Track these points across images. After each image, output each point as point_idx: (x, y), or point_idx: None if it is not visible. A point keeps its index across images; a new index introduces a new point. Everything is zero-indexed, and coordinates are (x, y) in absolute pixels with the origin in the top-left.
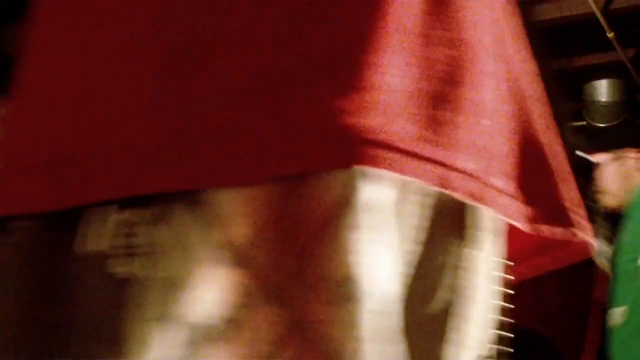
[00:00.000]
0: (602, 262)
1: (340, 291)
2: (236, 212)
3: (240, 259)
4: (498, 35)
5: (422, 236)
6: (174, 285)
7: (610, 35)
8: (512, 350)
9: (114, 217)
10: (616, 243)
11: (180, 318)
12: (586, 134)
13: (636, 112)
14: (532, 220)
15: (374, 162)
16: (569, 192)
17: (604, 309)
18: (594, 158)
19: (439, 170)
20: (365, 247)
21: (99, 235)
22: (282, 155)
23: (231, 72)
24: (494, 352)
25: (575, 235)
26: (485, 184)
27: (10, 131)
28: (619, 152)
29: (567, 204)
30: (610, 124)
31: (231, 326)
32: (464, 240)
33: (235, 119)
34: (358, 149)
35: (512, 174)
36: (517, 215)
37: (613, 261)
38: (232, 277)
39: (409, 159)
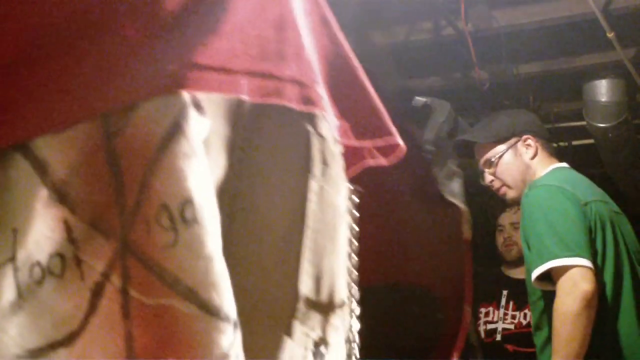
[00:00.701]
0: (458, 201)
1: (181, 215)
2: (56, 154)
3: (61, 196)
4: None
5: (260, 164)
6: (12, 231)
7: (610, 35)
8: (387, 307)
9: None
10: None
11: (18, 260)
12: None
13: (636, 112)
14: (358, 133)
15: (203, 85)
16: (378, 106)
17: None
18: (493, 153)
19: (270, 82)
20: (200, 173)
21: None
22: (102, 93)
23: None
24: (353, 294)
25: (393, 141)
26: (316, 91)
27: None
28: (512, 141)
29: (380, 115)
30: (610, 124)
31: (60, 261)
32: (310, 173)
33: (50, 69)
34: (184, 74)
35: (329, 90)
36: (341, 128)
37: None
38: (56, 215)
39: (238, 76)
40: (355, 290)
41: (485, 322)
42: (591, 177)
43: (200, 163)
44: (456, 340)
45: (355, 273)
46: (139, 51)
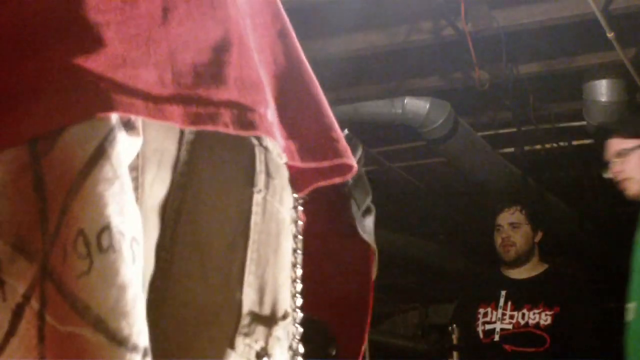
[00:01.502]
0: (370, 240)
1: (98, 242)
2: None
3: None
4: None
5: (203, 177)
6: None
7: (610, 35)
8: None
9: None
10: (637, 235)
11: None
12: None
13: (636, 112)
14: (305, 153)
15: (132, 109)
16: (332, 125)
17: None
18: (629, 145)
19: (203, 108)
20: (123, 198)
21: None
22: (30, 117)
23: None
24: (297, 305)
25: (342, 162)
26: (258, 113)
27: None
28: None
29: (331, 135)
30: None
31: None
32: (255, 186)
33: None
34: (112, 98)
35: (278, 110)
36: (288, 149)
37: (633, 255)
38: None
39: (168, 104)
40: (299, 300)
41: (484, 323)
42: (591, 178)
43: (124, 187)
44: None
45: (300, 282)
46: (67, 74)
